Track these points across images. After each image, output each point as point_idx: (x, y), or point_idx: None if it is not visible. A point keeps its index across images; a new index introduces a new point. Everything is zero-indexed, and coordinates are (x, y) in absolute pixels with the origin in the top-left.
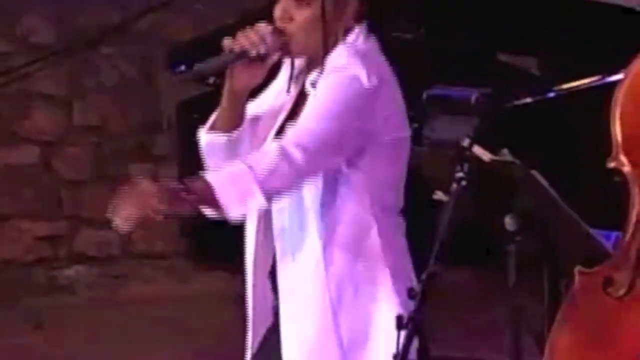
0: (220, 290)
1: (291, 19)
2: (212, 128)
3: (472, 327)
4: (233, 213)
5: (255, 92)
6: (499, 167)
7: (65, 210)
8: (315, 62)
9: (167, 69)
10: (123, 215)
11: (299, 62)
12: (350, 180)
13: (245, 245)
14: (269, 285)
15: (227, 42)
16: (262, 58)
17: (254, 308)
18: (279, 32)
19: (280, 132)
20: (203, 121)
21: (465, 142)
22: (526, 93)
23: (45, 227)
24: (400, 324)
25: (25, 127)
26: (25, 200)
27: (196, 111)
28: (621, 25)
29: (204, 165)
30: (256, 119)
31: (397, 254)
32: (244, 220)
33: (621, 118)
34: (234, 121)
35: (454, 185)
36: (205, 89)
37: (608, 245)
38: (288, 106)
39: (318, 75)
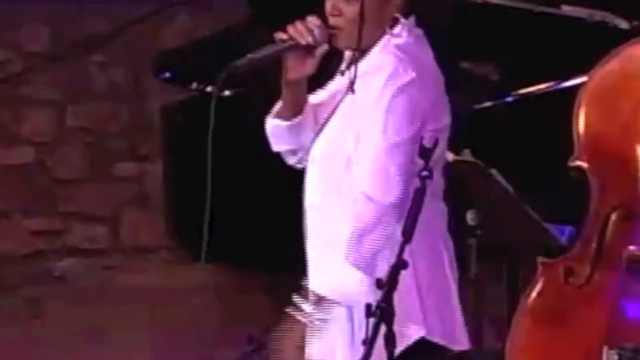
0: (202, 281)
1: (340, 13)
2: (276, 115)
3: None
4: None
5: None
6: (461, 167)
7: (59, 206)
8: (363, 53)
9: (153, 75)
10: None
11: (349, 53)
12: None
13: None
14: None
15: (278, 34)
16: (309, 48)
17: None
18: (326, 24)
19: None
20: (186, 124)
21: (429, 143)
22: (486, 98)
23: (41, 222)
24: (369, 312)
25: (21, 129)
26: (22, 198)
27: (179, 114)
28: (573, 35)
29: (186, 163)
30: (317, 106)
31: (439, 238)
32: None
33: (584, 119)
34: (294, 109)
35: (419, 183)
36: (188, 94)
37: (562, 238)
38: (338, 97)
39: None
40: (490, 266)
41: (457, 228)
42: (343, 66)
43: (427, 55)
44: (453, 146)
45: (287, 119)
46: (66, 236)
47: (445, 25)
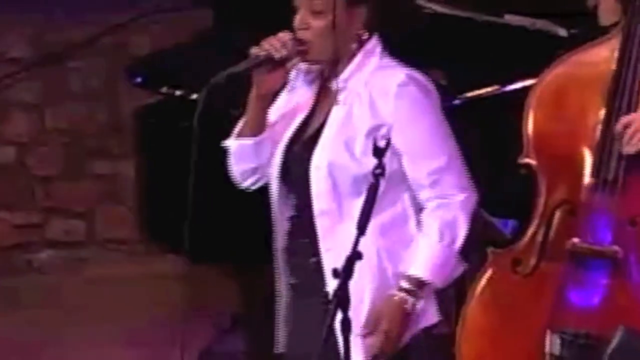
0: (171, 271)
1: (308, 27)
2: (240, 135)
3: None
4: None
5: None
6: None
7: (38, 202)
8: (335, 65)
9: (126, 79)
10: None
11: (315, 66)
12: (392, 177)
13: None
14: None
15: (254, 49)
16: (283, 62)
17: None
18: (297, 39)
19: (299, 130)
20: (156, 125)
21: (383, 143)
22: None
23: (21, 217)
24: (326, 300)
25: (3, 130)
26: (3, 194)
27: (151, 117)
28: (516, 43)
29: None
30: (274, 123)
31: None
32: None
33: (533, 120)
34: (260, 126)
35: (373, 180)
36: (158, 98)
37: (505, 231)
38: (306, 107)
39: (346, 78)
40: None
41: None
42: (301, 79)
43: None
44: None
45: (252, 135)
46: (45, 230)
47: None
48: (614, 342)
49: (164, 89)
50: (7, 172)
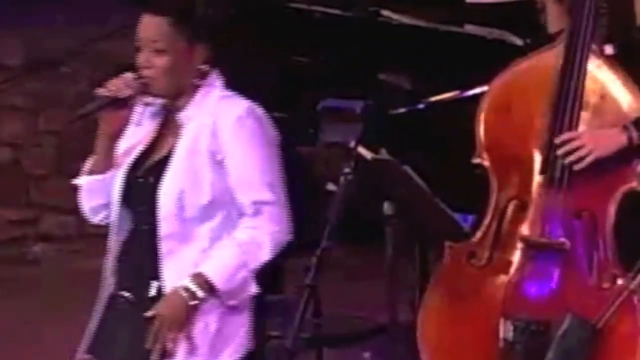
0: None
1: (151, 65)
2: (91, 172)
3: (356, 292)
4: None
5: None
6: (378, 164)
7: (32, 199)
8: (177, 99)
9: None
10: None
11: (157, 101)
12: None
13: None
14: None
15: (99, 90)
16: (128, 100)
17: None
18: (141, 77)
19: (137, 162)
20: None
21: (352, 144)
22: (400, 105)
23: (16, 212)
24: (300, 291)
25: (0, 132)
26: (0, 192)
27: None
28: (475, 51)
29: None
30: (122, 156)
31: None
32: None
33: (484, 123)
34: (109, 163)
35: (342, 179)
36: None
37: (465, 225)
38: (148, 137)
39: (190, 110)
40: (405, 249)
41: (376, 217)
42: (147, 113)
43: None
44: (371, 147)
45: (102, 172)
46: (38, 224)
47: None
48: (563, 328)
49: None
50: (3, 172)
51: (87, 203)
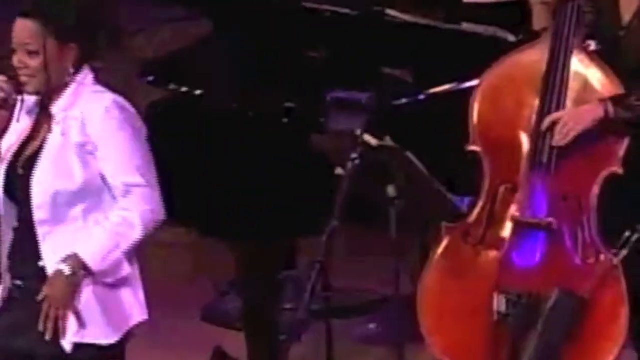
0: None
1: (26, 66)
2: None
3: (362, 268)
4: None
5: None
6: (383, 150)
7: None
8: (51, 96)
9: (140, 78)
10: None
11: (32, 98)
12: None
13: None
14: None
15: None
16: (3, 102)
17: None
18: (13, 79)
19: (16, 156)
20: (167, 116)
21: (358, 132)
22: (403, 96)
23: None
24: (313, 265)
25: None
26: None
27: (162, 108)
28: (471, 47)
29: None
30: (6, 152)
31: None
32: None
33: (477, 112)
34: None
35: (350, 164)
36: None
37: (462, 206)
38: (25, 132)
39: (62, 105)
40: (407, 229)
41: (380, 199)
42: (24, 110)
43: None
44: (377, 134)
45: None
46: None
47: None
48: (551, 301)
49: (172, 86)
50: None
51: None
